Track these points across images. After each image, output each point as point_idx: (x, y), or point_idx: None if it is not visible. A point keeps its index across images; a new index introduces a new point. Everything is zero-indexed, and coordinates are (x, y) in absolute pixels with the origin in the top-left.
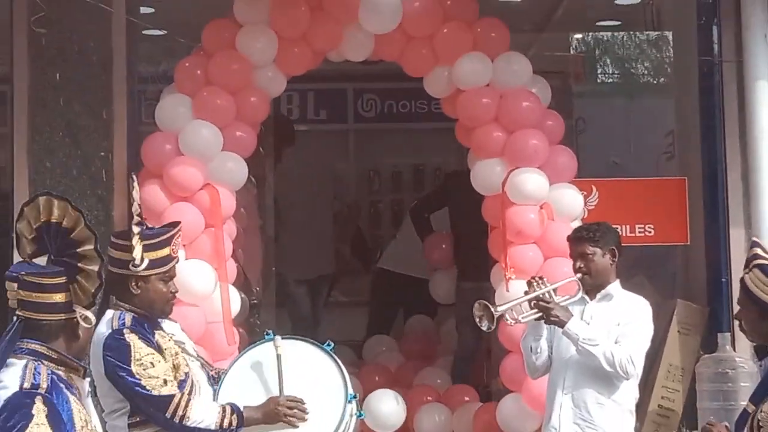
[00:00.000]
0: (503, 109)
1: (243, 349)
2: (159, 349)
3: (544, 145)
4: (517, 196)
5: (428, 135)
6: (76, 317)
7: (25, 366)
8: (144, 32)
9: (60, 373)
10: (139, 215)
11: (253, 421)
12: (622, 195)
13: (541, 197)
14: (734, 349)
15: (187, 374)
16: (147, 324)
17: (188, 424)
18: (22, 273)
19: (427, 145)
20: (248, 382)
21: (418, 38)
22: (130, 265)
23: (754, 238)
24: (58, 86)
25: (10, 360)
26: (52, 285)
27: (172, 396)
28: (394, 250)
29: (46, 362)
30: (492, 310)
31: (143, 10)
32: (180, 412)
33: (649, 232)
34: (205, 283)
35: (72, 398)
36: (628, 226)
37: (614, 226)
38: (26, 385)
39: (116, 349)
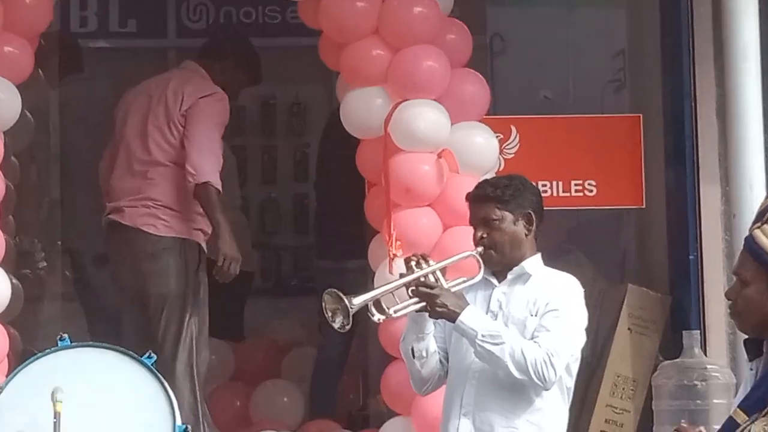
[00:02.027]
0: (386, 18)
1: (19, 358)
2: None
3: (443, 68)
4: (405, 139)
5: (282, 55)
6: None
7: None
8: None
9: None
10: None
11: None
12: (552, 139)
13: (439, 141)
14: (705, 354)
15: None
16: None
17: None
18: None
19: (281, 69)
20: (26, 413)
21: None
22: None
23: None
24: None
25: None
26: None
27: None
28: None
29: None
30: (346, 302)
31: None
32: None
33: (590, 191)
34: None
35: None
36: (560, 183)
37: (540, 182)
38: None
39: None
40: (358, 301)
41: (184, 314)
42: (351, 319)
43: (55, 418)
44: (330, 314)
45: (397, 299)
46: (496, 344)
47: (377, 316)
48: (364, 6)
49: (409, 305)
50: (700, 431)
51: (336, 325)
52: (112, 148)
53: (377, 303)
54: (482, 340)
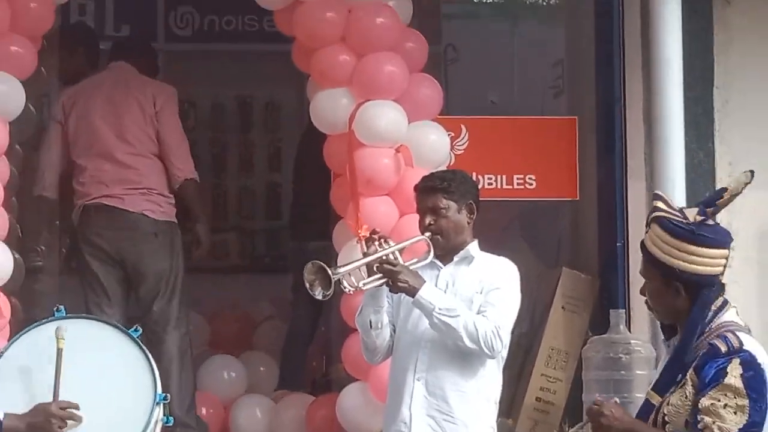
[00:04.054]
0: (352, 27)
1: (19, 326)
2: None
3: (402, 73)
4: (367, 135)
5: (259, 59)
6: None
7: None
8: None
9: None
10: None
11: None
12: (497, 137)
13: (397, 138)
14: (629, 330)
15: None
16: None
17: None
18: None
19: (257, 71)
20: (26, 372)
21: None
22: None
23: (657, 192)
24: None
25: None
26: None
27: None
28: None
29: None
30: (329, 272)
31: None
32: None
33: (530, 184)
34: None
35: None
36: (504, 177)
37: (486, 175)
38: None
39: None
40: (341, 270)
41: (176, 289)
42: (333, 287)
43: (57, 354)
44: (309, 285)
45: (363, 275)
46: (452, 317)
47: (348, 288)
48: (333, 16)
49: (374, 280)
50: (615, 401)
51: (317, 295)
52: (57, 141)
53: (347, 277)
54: (439, 313)
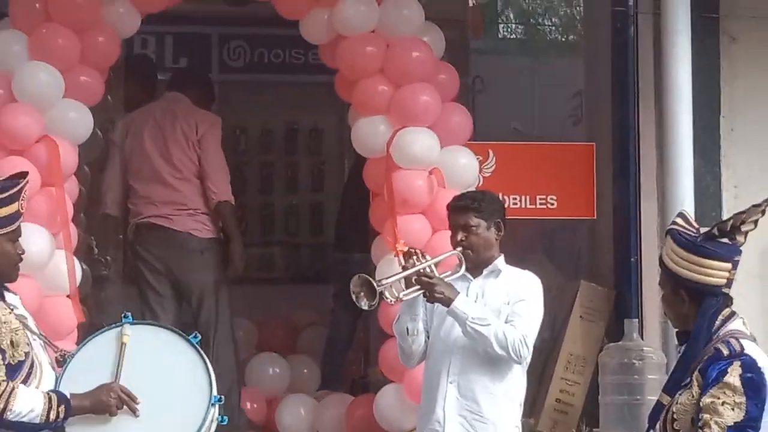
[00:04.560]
0: (390, 60)
1: (85, 330)
2: None
3: (435, 102)
4: (403, 159)
5: (304, 89)
6: None
7: None
8: None
9: None
10: None
11: (81, 411)
12: (522, 161)
13: (430, 161)
14: (642, 338)
15: (27, 354)
16: None
17: (9, 417)
18: None
19: (303, 100)
20: (97, 370)
21: None
22: None
23: (683, 210)
24: None
25: None
26: None
27: None
28: None
29: None
30: (374, 284)
31: None
32: (0, 404)
33: (551, 204)
34: (40, 250)
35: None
36: (527, 197)
37: (511, 196)
38: None
39: None
40: (386, 282)
41: (220, 300)
42: (378, 297)
43: (120, 347)
44: (355, 296)
45: (402, 286)
46: (484, 326)
47: (390, 299)
48: (373, 50)
49: (412, 291)
50: None
51: (363, 305)
52: (117, 163)
53: (388, 289)
54: (472, 322)
